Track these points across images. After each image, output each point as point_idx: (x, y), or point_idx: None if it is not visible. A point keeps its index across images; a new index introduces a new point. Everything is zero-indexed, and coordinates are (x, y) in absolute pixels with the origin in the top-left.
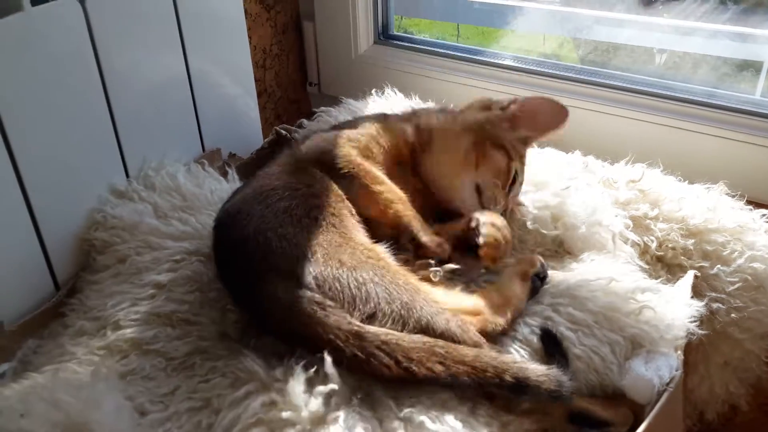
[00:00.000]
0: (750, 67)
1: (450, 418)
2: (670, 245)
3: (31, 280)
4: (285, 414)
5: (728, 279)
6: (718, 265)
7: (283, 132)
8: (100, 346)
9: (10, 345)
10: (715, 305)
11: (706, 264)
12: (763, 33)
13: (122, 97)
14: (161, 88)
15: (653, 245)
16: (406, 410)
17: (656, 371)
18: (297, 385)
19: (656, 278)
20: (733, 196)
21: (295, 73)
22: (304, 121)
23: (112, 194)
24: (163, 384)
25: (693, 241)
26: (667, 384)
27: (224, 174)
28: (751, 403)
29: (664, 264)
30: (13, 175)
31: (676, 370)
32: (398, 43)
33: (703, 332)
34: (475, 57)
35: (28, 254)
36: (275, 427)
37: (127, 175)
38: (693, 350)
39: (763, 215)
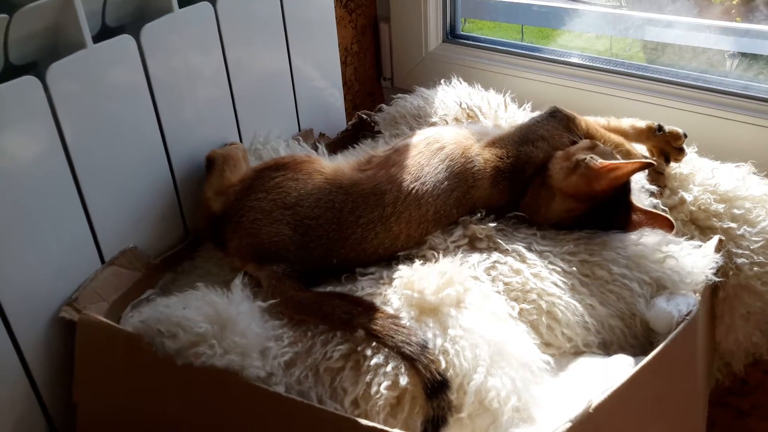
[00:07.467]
0: None
1: None
2: (702, 207)
3: (168, 226)
4: None
5: (753, 238)
6: (745, 226)
7: (365, 116)
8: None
9: (154, 275)
10: (740, 260)
11: (734, 225)
12: None
13: (241, 84)
14: (270, 78)
15: (689, 199)
16: None
17: (676, 306)
18: None
19: (689, 238)
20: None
21: (371, 68)
22: (383, 106)
23: None
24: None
25: (723, 206)
26: (686, 316)
27: (315, 149)
28: None
29: (696, 226)
30: (161, 147)
31: (694, 306)
32: (464, 41)
33: (719, 279)
34: (531, 53)
35: (168, 205)
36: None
37: None
38: (720, 303)
39: None
